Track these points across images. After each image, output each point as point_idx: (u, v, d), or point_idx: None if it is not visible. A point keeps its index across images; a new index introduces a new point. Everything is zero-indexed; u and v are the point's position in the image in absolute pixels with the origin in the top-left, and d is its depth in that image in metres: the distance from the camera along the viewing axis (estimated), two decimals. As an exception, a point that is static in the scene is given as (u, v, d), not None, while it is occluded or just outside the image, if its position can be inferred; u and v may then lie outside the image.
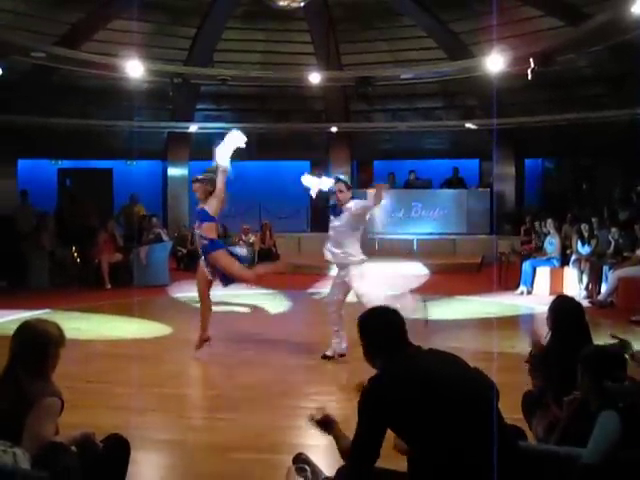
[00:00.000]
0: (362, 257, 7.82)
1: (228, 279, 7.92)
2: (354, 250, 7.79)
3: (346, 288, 7.85)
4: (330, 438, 3.47)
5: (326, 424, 3.45)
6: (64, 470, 3.04)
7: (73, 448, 3.38)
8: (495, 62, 13.88)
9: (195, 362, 8.07)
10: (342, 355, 7.90)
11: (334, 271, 8.11)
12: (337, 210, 7.78)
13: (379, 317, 3.45)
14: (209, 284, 8.02)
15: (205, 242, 7.83)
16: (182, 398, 6.79)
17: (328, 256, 7.90)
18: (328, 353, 7.94)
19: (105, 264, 13.80)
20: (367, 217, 7.86)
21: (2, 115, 15.75)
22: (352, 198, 7.84)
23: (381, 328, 3.36)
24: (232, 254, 7.94)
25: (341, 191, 7.78)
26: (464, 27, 17.40)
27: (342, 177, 8.07)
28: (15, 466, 2.99)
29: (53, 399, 3.41)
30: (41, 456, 3.16)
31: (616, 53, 14.75)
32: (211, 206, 7.86)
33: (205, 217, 7.86)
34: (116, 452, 3.66)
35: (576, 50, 14.19)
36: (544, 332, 4.80)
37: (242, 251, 8.21)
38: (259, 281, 7.98)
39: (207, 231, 7.85)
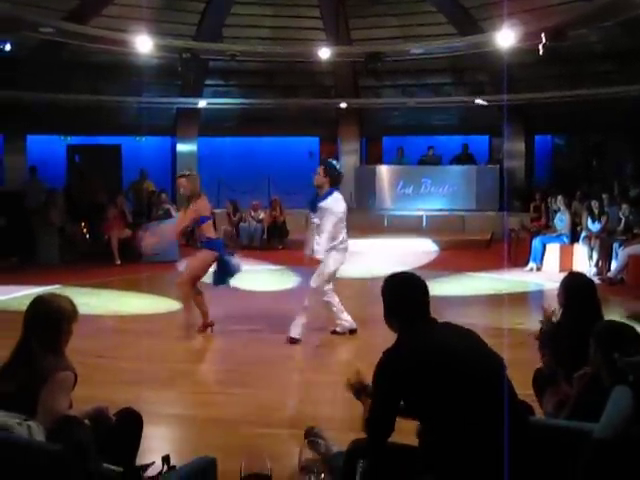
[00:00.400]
0: (340, 247, 7.76)
1: (219, 279, 8.00)
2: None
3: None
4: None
5: (359, 389, 3.46)
6: (78, 443, 3.06)
7: (87, 422, 3.40)
8: (506, 37, 13.74)
9: (205, 337, 8.11)
10: (353, 331, 7.96)
11: None
12: (314, 207, 7.76)
13: (403, 282, 3.41)
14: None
15: (203, 239, 7.90)
16: (193, 373, 6.84)
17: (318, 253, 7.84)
18: (338, 329, 7.99)
19: (115, 240, 13.85)
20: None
21: (11, 91, 15.72)
22: (332, 189, 7.76)
23: (401, 293, 3.34)
24: (222, 261, 7.92)
25: (317, 173, 7.80)
26: (474, 2, 17.21)
27: (332, 162, 8.06)
28: (30, 438, 3.02)
29: (67, 373, 3.43)
30: (55, 429, 3.18)
31: (627, 29, 14.57)
32: (201, 207, 7.86)
33: (202, 219, 7.88)
34: (129, 426, 3.69)
35: (587, 25, 14.04)
36: (555, 308, 4.80)
37: (235, 261, 8.14)
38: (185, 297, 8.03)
39: (206, 230, 7.88)
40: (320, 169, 7.82)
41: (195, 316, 7.97)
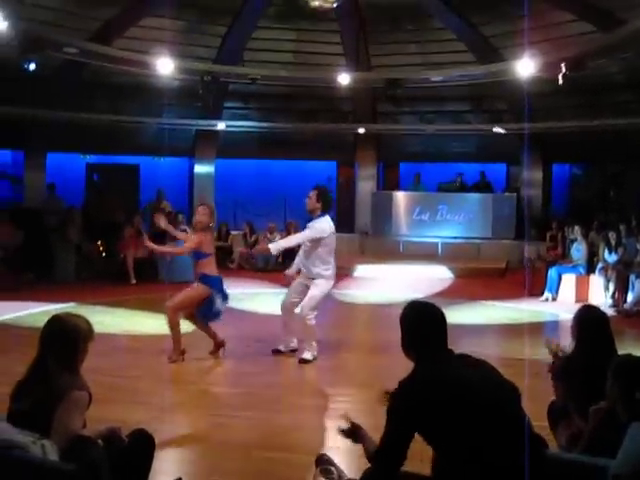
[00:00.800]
0: (327, 274, 7.90)
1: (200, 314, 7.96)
2: (319, 266, 7.88)
3: (305, 293, 7.98)
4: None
5: (353, 432, 3.45)
6: (91, 463, 3.07)
7: (100, 442, 3.41)
8: (525, 66, 13.77)
9: (219, 359, 8.11)
10: (293, 351, 8.14)
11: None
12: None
13: (421, 312, 3.40)
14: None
15: (199, 274, 7.87)
16: (206, 395, 6.83)
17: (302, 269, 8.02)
18: (282, 348, 8.19)
19: (130, 259, 13.92)
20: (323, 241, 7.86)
21: (32, 109, 15.91)
22: (323, 212, 7.91)
23: (420, 324, 3.33)
24: (209, 301, 7.87)
25: (309, 198, 7.93)
26: (494, 30, 17.29)
27: (325, 187, 8.28)
28: (44, 457, 3.03)
29: (82, 392, 3.45)
30: (69, 449, 3.20)
31: (647, 60, 14.59)
32: (206, 241, 7.87)
33: (200, 255, 7.86)
34: (141, 447, 3.69)
35: (607, 56, 14.04)
36: (558, 342, 4.78)
37: (217, 307, 8.07)
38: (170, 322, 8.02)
39: (205, 266, 7.84)
40: (313, 194, 7.93)
41: (182, 341, 7.88)
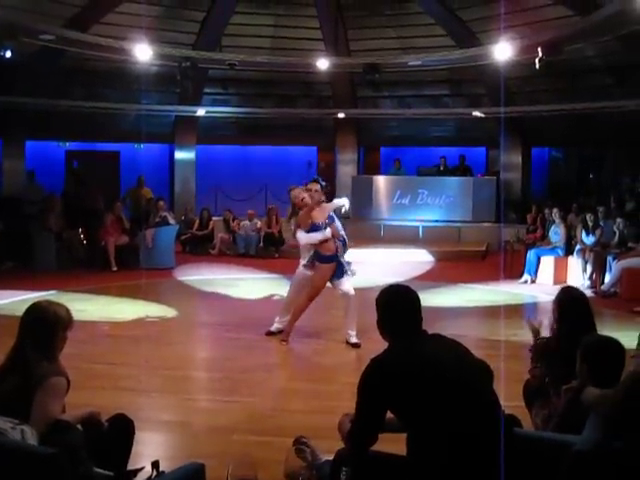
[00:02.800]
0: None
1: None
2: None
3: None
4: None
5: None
6: (70, 447, 3.11)
7: (79, 426, 3.45)
8: (503, 50, 13.83)
9: (200, 345, 8.17)
10: (280, 331, 8.25)
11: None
12: (316, 226, 7.85)
13: (393, 296, 3.46)
14: None
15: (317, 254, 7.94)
16: (187, 380, 6.87)
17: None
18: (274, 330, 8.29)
19: (111, 246, 13.88)
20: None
21: (10, 97, 15.79)
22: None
23: (394, 306, 3.39)
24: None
25: (316, 190, 7.97)
26: (472, 15, 17.34)
27: (321, 179, 8.33)
28: (23, 442, 3.07)
29: (60, 378, 3.48)
30: (48, 434, 3.23)
31: (624, 43, 14.69)
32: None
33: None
34: (121, 431, 3.73)
35: (584, 40, 14.12)
36: (540, 322, 4.84)
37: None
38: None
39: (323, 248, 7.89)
40: (317, 187, 7.97)
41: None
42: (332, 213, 8.08)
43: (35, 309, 3.64)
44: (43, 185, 16.47)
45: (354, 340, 7.91)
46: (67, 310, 3.68)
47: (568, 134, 18.58)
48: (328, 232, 7.76)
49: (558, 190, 19.26)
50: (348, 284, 7.96)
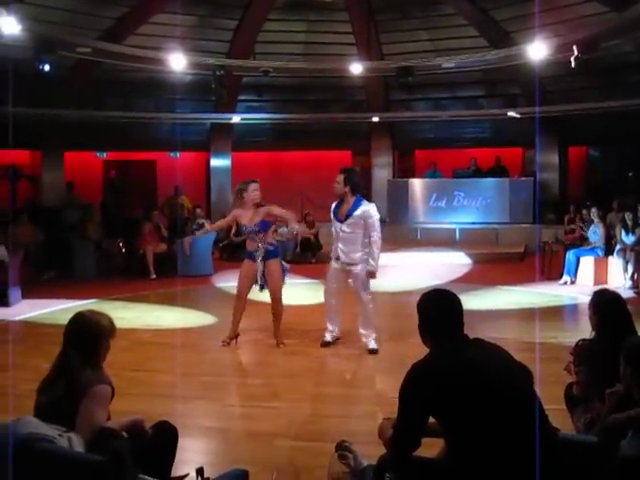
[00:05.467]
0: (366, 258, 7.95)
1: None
2: (361, 251, 7.89)
3: (343, 280, 8.09)
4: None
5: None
6: (116, 454, 3.15)
7: (124, 434, 3.50)
8: (538, 50, 13.71)
9: (239, 351, 8.20)
10: (338, 339, 8.25)
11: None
12: (344, 216, 7.87)
13: (435, 300, 3.44)
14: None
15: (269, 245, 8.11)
16: (226, 386, 6.92)
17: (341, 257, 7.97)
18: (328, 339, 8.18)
19: (150, 254, 14.02)
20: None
21: (49, 109, 16.06)
22: (360, 197, 7.95)
23: (436, 310, 3.37)
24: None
25: (337, 182, 7.96)
26: (506, 14, 17.24)
27: (352, 170, 8.35)
28: (70, 449, 3.12)
29: (104, 386, 3.54)
30: (94, 441, 3.28)
31: (662, 38, 14.49)
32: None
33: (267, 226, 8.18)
34: (165, 438, 3.77)
35: (621, 36, 13.95)
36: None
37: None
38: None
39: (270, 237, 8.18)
40: (340, 178, 7.93)
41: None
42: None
43: (79, 319, 3.69)
44: (82, 195, 16.69)
45: (372, 346, 7.89)
46: (110, 320, 3.74)
47: (606, 132, 18.35)
48: None
49: (596, 189, 19.01)
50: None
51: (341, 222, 7.87)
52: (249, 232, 8.13)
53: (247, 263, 8.19)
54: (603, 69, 16.66)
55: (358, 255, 7.83)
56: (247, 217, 8.10)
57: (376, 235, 7.74)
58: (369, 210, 7.81)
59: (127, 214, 15.94)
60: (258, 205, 8.10)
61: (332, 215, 8.05)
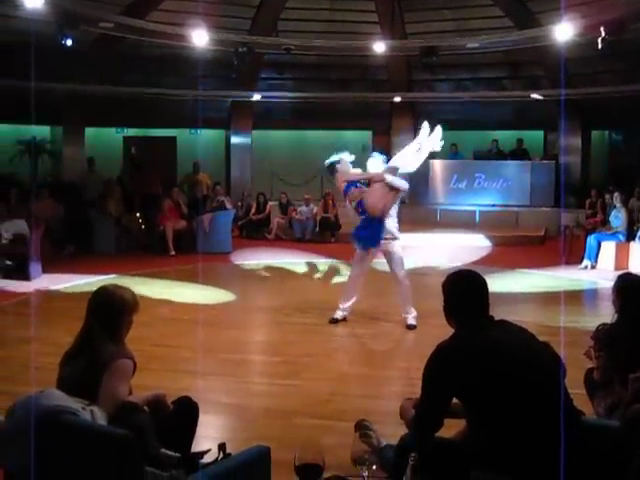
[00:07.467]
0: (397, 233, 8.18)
1: None
2: (392, 224, 8.08)
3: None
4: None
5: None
6: (138, 428, 3.17)
7: (145, 408, 3.52)
8: (564, 31, 13.53)
9: (258, 328, 8.24)
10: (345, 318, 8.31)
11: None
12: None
13: (461, 280, 3.44)
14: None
15: None
16: (246, 363, 6.95)
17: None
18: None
19: (169, 231, 14.06)
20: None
21: (70, 84, 16.07)
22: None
23: (461, 290, 3.37)
24: None
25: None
26: (532, -5, 17.01)
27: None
28: (94, 422, 3.14)
29: (127, 361, 3.55)
30: (116, 415, 3.30)
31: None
32: None
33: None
34: (186, 413, 3.80)
35: (649, 19, 13.73)
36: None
37: None
38: None
39: None
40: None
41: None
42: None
43: (102, 293, 3.70)
44: (102, 171, 16.74)
45: (410, 321, 7.99)
46: (133, 294, 3.75)
47: (630, 116, 18.10)
48: None
49: (619, 173, 18.80)
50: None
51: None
52: None
53: None
54: (629, 52, 16.39)
55: (390, 229, 7.96)
56: None
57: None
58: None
59: (147, 190, 15.96)
60: None
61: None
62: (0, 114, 16.11)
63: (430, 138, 8.12)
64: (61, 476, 3.06)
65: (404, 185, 7.88)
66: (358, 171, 8.27)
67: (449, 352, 3.15)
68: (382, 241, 7.88)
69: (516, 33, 16.24)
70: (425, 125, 8.21)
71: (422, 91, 20.18)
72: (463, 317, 3.29)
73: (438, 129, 8.16)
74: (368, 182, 8.01)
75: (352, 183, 8.03)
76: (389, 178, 7.72)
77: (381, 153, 8.49)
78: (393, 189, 7.75)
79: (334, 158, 8.36)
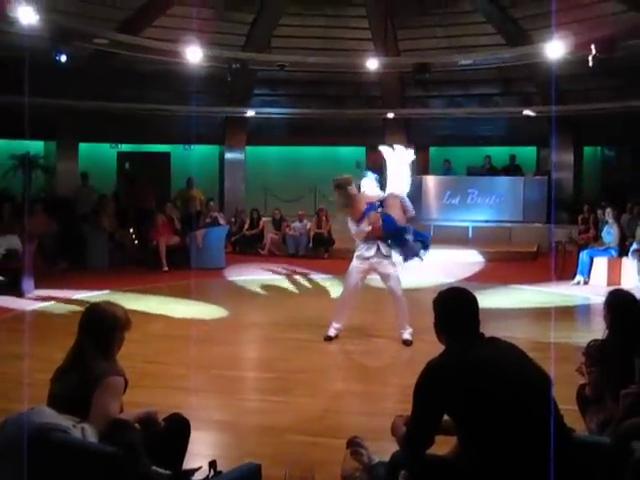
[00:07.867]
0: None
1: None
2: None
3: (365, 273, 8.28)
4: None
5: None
6: (129, 445, 3.16)
7: (137, 425, 3.51)
8: (555, 48, 13.63)
9: (251, 345, 8.23)
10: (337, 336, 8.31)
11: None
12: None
13: (452, 298, 3.45)
14: None
15: None
16: (237, 380, 6.92)
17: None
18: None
19: (163, 246, 14.05)
20: None
21: (64, 100, 16.08)
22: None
23: (452, 308, 3.38)
24: None
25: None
26: (523, 12, 17.11)
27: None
28: (84, 440, 3.13)
29: (118, 378, 3.55)
30: (107, 432, 3.29)
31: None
32: None
33: None
34: (177, 430, 3.78)
35: (639, 36, 13.83)
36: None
37: None
38: None
39: None
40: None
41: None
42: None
43: (94, 310, 3.71)
44: (96, 186, 16.74)
45: (406, 337, 8.01)
46: (125, 311, 3.76)
47: (621, 133, 18.22)
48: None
49: (611, 189, 18.89)
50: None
51: None
52: None
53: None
54: (620, 69, 16.51)
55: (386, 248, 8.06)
56: None
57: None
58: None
59: (141, 206, 15.97)
60: None
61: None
62: (-6, 129, 16.12)
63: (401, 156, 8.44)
64: (51, 494, 3.05)
65: (412, 210, 8.21)
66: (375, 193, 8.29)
67: (439, 370, 3.16)
68: (376, 259, 8.00)
69: (508, 50, 16.36)
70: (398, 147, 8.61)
71: (415, 107, 20.28)
72: (453, 334, 3.30)
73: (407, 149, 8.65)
74: (381, 203, 8.11)
75: (372, 205, 8.04)
76: (405, 199, 8.13)
77: (373, 172, 8.54)
78: (403, 209, 8.06)
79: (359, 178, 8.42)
